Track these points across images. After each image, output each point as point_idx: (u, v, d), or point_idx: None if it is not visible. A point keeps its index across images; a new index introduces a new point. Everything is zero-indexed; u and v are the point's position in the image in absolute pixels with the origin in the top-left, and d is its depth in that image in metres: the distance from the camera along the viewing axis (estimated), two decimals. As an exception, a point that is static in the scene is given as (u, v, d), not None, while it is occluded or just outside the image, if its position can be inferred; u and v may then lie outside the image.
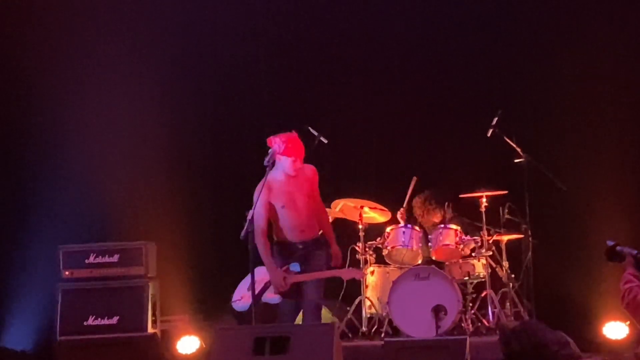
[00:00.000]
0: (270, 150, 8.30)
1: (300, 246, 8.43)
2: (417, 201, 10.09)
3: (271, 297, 8.48)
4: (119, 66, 10.63)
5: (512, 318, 9.55)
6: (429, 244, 9.74)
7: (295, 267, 8.35)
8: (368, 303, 9.59)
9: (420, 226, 9.98)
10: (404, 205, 10.01)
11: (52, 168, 10.63)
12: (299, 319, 8.55)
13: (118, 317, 9.48)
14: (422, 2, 10.90)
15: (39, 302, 10.15)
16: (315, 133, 9.83)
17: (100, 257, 9.70)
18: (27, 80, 10.62)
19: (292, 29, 10.92)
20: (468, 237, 9.64)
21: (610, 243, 6.50)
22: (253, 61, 10.96)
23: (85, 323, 9.47)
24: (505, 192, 9.65)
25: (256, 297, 8.35)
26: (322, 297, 8.48)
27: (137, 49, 10.74)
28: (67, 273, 9.65)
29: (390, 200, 10.03)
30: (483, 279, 9.57)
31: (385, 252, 9.77)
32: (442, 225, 9.72)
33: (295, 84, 10.87)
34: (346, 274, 8.84)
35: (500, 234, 9.70)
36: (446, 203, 9.98)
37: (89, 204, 10.44)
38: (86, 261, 9.67)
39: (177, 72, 10.81)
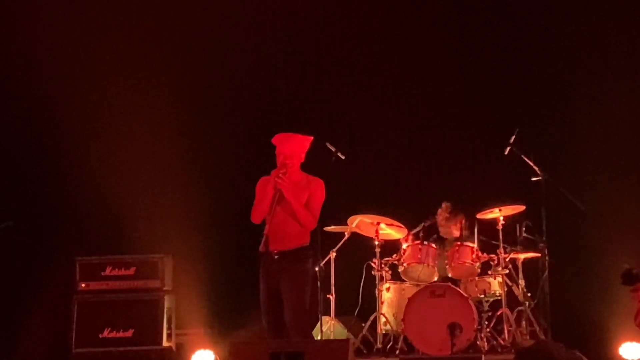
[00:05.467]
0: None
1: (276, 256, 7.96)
2: (440, 211, 10.11)
3: None
4: (139, 80, 10.69)
5: (528, 337, 9.52)
6: (445, 261, 9.73)
7: None
8: (383, 319, 9.57)
9: (437, 243, 9.97)
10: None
11: (69, 180, 10.67)
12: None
13: (133, 330, 9.50)
14: (441, 21, 10.92)
15: (54, 314, 10.15)
16: (333, 149, 9.82)
17: (116, 269, 9.73)
18: (47, 94, 10.68)
19: (312, 44, 10.95)
20: (484, 255, 9.63)
21: (626, 266, 6.50)
22: (272, 77, 10.98)
23: (100, 335, 9.50)
24: (523, 209, 9.62)
25: None
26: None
27: (158, 66, 10.80)
28: (83, 285, 9.69)
29: (406, 217, 10.01)
30: (499, 297, 9.54)
31: (401, 268, 9.76)
32: (459, 243, 9.71)
33: (314, 100, 10.89)
34: None
35: (517, 252, 9.68)
36: (463, 220, 9.96)
37: (106, 217, 10.47)
38: (102, 273, 9.71)
39: (198, 86, 10.85)
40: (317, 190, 8.06)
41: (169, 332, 9.60)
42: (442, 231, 10.18)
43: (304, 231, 8.02)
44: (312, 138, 8.25)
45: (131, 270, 9.73)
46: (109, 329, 9.50)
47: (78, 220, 10.69)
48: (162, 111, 10.69)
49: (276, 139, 8.10)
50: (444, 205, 10.15)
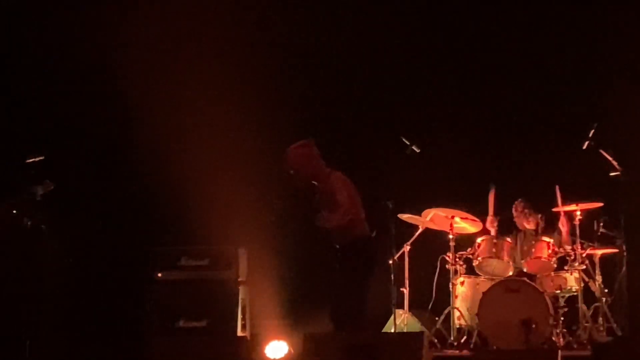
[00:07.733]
0: None
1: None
2: (517, 205, 10.02)
3: None
4: (217, 76, 10.76)
5: (605, 334, 9.39)
6: (521, 255, 9.66)
7: None
8: (457, 314, 9.55)
9: (513, 235, 9.90)
10: (491, 213, 9.93)
11: (147, 172, 10.78)
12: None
13: (208, 320, 9.55)
14: (515, 14, 10.85)
15: (130, 303, 10.26)
16: (408, 142, 9.78)
17: (191, 259, 9.77)
18: (127, 90, 10.79)
19: (387, 43, 10.94)
20: (561, 250, 9.54)
21: None
22: (349, 71, 10.99)
23: (176, 325, 9.57)
24: (601, 204, 9.49)
25: None
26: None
27: (239, 62, 10.86)
28: (159, 275, 9.76)
29: (481, 211, 9.95)
30: (575, 293, 9.44)
31: (475, 262, 9.72)
32: (535, 238, 9.63)
33: (389, 94, 10.88)
34: None
35: (594, 247, 9.56)
36: (539, 215, 9.87)
37: (182, 208, 10.56)
38: (178, 263, 9.77)
39: (276, 83, 10.88)
40: (334, 187, 8.32)
41: (243, 322, 9.64)
42: (518, 223, 10.10)
43: (350, 226, 8.22)
44: (309, 141, 8.48)
45: (206, 261, 9.77)
46: (184, 318, 9.58)
47: (155, 211, 10.81)
48: (240, 105, 10.74)
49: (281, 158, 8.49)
50: (517, 202, 10.07)
